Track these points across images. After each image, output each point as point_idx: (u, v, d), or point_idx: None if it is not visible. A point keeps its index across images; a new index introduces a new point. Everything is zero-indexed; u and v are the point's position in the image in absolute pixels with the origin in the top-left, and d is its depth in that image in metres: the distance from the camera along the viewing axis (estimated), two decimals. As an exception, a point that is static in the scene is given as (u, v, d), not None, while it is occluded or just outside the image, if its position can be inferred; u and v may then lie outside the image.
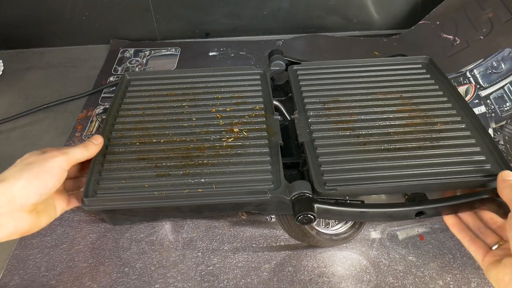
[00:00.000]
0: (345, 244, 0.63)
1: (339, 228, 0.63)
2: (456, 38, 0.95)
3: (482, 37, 0.90)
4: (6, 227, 0.45)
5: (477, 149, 0.58)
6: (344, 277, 0.59)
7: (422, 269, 0.60)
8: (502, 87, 0.82)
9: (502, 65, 0.83)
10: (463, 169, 0.55)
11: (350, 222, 0.63)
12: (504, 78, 0.82)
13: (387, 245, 0.63)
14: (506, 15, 0.88)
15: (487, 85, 0.83)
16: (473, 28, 0.93)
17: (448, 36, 0.97)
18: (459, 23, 0.96)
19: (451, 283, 0.59)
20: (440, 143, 0.58)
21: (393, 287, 0.58)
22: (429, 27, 1.02)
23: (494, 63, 0.84)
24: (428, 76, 0.71)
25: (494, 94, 0.82)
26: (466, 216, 0.54)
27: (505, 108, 0.79)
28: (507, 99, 0.80)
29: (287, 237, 0.64)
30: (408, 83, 0.69)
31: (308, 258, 0.62)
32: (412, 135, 0.59)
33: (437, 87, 0.68)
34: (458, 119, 0.62)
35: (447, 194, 0.56)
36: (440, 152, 0.57)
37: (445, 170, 0.55)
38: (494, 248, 0.49)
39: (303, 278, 0.59)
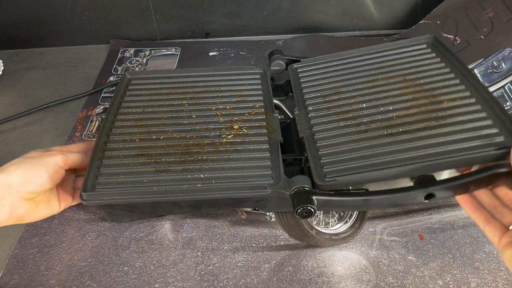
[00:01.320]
0: (344, 244, 0.63)
1: (338, 227, 0.62)
2: (456, 37, 0.95)
3: (482, 37, 0.90)
4: (2, 210, 0.50)
5: (489, 122, 0.53)
6: (343, 277, 0.59)
7: (422, 269, 0.60)
8: (503, 86, 0.82)
9: (503, 64, 0.83)
10: (474, 144, 0.51)
11: (350, 221, 0.63)
12: (504, 78, 0.82)
13: (387, 245, 0.63)
14: (507, 14, 0.88)
15: (487, 85, 0.83)
16: (474, 27, 0.93)
17: (448, 36, 0.97)
18: (459, 23, 0.96)
19: (450, 283, 0.58)
20: (447, 121, 0.55)
21: (392, 287, 0.58)
22: (430, 27, 1.02)
23: (494, 62, 0.84)
24: (434, 54, 0.67)
25: (494, 93, 0.82)
26: (480, 194, 0.50)
27: (506, 107, 0.79)
28: (507, 98, 0.80)
29: (286, 236, 0.64)
30: (412, 64, 0.66)
31: (308, 257, 0.61)
32: (416, 117, 0.56)
33: (443, 64, 0.64)
34: (467, 94, 0.58)
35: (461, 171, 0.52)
36: (447, 130, 0.53)
37: (454, 147, 0.51)
38: (511, 227, 0.46)
39: (302, 278, 0.59)
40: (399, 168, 0.50)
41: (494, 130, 0.52)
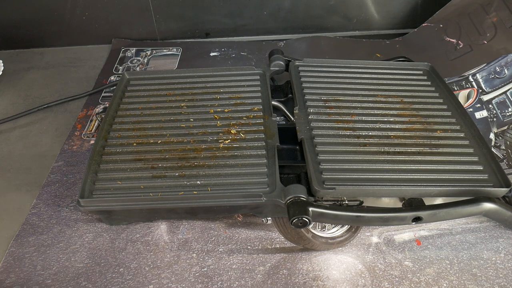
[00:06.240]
0: (341, 248, 0.63)
1: (335, 231, 0.62)
2: (459, 41, 0.94)
3: (485, 42, 0.89)
4: None
5: (475, 158, 0.58)
6: (338, 281, 0.59)
7: (418, 274, 0.60)
8: (505, 92, 0.81)
9: (505, 70, 0.83)
10: (461, 177, 0.55)
11: (347, 225, 0.63)
12: (507, 84, 0.82)
13: (384, 250, 0.63)
14: (511, 20, 0.87)
15: (490, 90, 0.83)
16: (477, 32, 0.92)
17: (451, 40, 0.96)
18: (462, 27, 0.95)
19: (447, 289, 0.58)
20: (439, 150, 0.58)
21: (388, 293, 0.58)
22: (432, 30, 1.01)
23: (497, 68, 0.84)
24: (429, 83, 0.71)
25: (496, 99, 0.81)
26: None
27: (507, 113, 0.78)
28: (509, 104, 0.79)
29: (282, 239, 0.64)
30: (409, 88, 0.69)
31: (303, 261, 0.61)
32: (412, 140, 0.60)
33: (437, 94, 0.68)
34: (457, 128, 0.62)
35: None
36: (439, 159, 0.57)
37: (443, 177, 0.55)
38: None
39: (297, 281, 0.59)
40: (394, 188, 0.53)
41: (479, 167, 0.57)
